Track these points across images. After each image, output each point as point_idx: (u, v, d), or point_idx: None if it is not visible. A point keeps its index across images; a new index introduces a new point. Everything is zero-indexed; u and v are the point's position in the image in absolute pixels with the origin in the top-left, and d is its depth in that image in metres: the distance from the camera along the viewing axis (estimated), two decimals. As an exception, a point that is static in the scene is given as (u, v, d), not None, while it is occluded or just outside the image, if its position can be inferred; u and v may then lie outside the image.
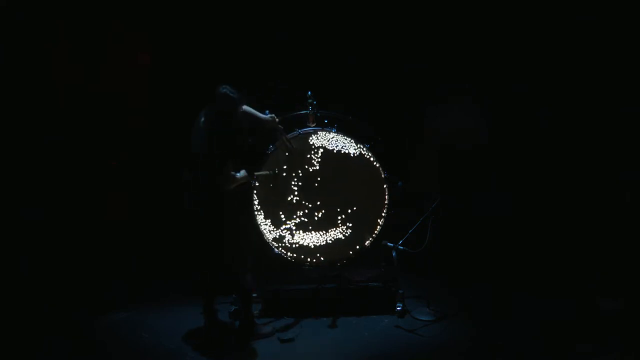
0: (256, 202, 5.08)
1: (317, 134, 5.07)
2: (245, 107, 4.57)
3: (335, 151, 5.08)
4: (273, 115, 4.81)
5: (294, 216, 5.10)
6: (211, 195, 4.35)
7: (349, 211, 5.10)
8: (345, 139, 5.08)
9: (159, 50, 6.15)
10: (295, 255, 5.15)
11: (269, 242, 5.12)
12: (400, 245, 5.02)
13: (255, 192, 5.06)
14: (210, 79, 6.03)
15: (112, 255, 5.83)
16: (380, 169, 5.07)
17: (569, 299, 5.09)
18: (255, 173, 4.91)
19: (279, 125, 4.86)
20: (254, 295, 4.83)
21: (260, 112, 4.73)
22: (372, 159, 5.07)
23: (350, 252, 5.14)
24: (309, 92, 5.06)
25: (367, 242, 5.13)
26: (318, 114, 5.11)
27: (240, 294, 4.65)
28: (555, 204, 5.95)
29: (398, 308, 4.97)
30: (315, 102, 5.07)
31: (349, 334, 4.75)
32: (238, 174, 4.49)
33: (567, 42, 5.85)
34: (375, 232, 5.12)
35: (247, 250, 4.60)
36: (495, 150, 6.05)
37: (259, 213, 5.09)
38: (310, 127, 5.11)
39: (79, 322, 4.99)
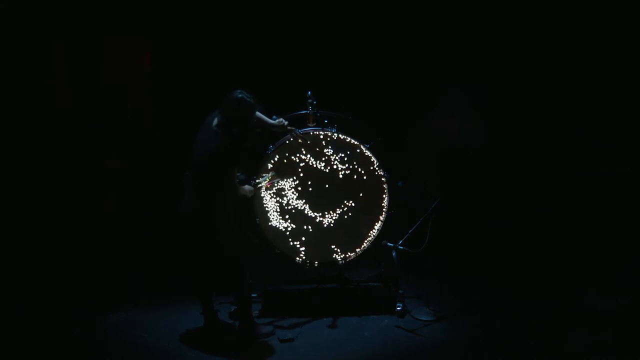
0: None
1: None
2: (257, 113, 4.54)
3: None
4: (281, 119, 4.82)
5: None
6: (209, 196, 4.34)
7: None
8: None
9: (159, 50, 6.16)
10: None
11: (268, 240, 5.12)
12: (400, 245, 5.02)
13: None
14: (210, 79, 6.09)
15: (112, 255, 5.83)
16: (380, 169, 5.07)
17: (568, 299, 5.09)
18: (256, 182, 4.87)
19: (289, 127, 4.86)
20: (254, 295, 4.82)
21: (268, 117, 4.75)
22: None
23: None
24: (309, 92, 5.05)
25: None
26: (318, 114, 5.11)
27: (239, 295, 4.64)
28: (555, 203, 5.96)
29: (398, 308, 4.96)
30: (315, 102, 5.06)
31: (349, 334, 4.75)
32: (246, 187, 4.57)
33: (567, 42, 5.85)
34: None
35: (244, 250, 4.59)
36: (495, 151, 6.06)
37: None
38: (310, 127, 5.11)
39: (79, 322, 4.99)
